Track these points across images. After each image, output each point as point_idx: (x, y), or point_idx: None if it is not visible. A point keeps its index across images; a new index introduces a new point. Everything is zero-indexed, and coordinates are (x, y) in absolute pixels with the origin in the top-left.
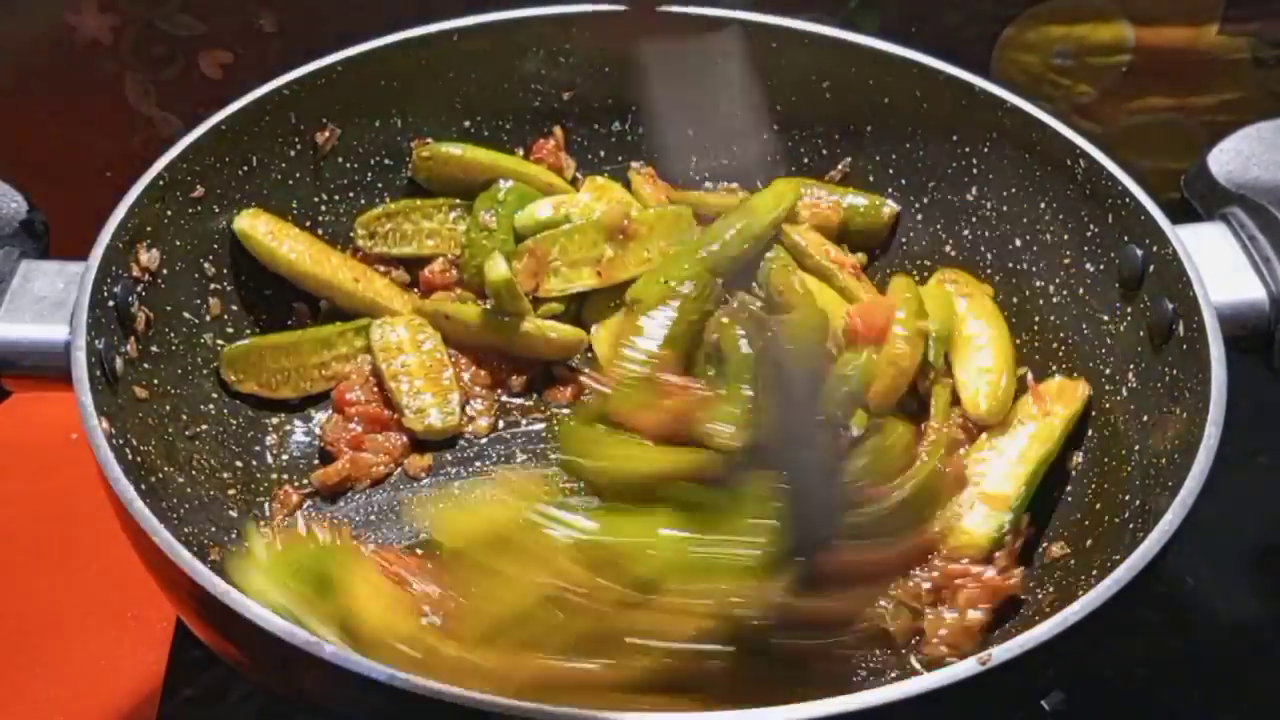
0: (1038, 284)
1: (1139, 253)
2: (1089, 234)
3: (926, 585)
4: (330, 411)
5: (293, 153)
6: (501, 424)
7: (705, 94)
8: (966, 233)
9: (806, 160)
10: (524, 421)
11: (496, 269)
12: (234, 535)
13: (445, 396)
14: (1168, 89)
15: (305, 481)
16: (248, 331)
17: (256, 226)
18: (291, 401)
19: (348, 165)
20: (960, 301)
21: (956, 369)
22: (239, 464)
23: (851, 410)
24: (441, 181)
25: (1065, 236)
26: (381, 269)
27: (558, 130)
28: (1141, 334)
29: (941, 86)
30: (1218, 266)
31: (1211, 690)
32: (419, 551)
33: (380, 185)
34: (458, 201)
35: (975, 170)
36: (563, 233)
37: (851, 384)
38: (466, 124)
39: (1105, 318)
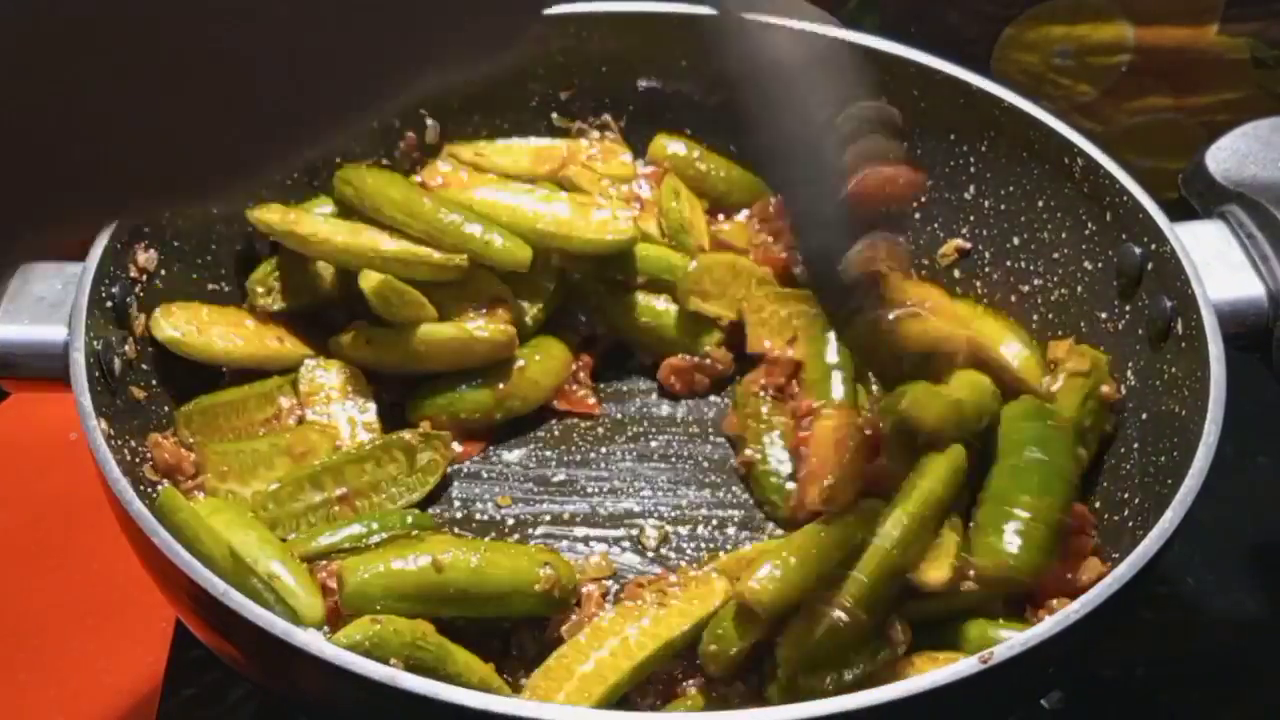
0: (1036, 282)
1: (1137, 251)
2: (1087, 232)
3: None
4: None
5: None
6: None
7: None
8: (964, 231)
9: None
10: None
11: (367, 278)
12: None
13: None
14: (1167, 89)
15: None
16: None
17: (180, 327)
18: None
19: (345, 164)
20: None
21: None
22: None
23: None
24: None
25: (1063, 235)
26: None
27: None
28: (1140, 332)
29: (940, 85)
30: (1216, 264)
31: (1211, 690)
32: None
33: None
34: None
35: (973, 169)
36: None
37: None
38: (464, 123)
39: (1104, 316)
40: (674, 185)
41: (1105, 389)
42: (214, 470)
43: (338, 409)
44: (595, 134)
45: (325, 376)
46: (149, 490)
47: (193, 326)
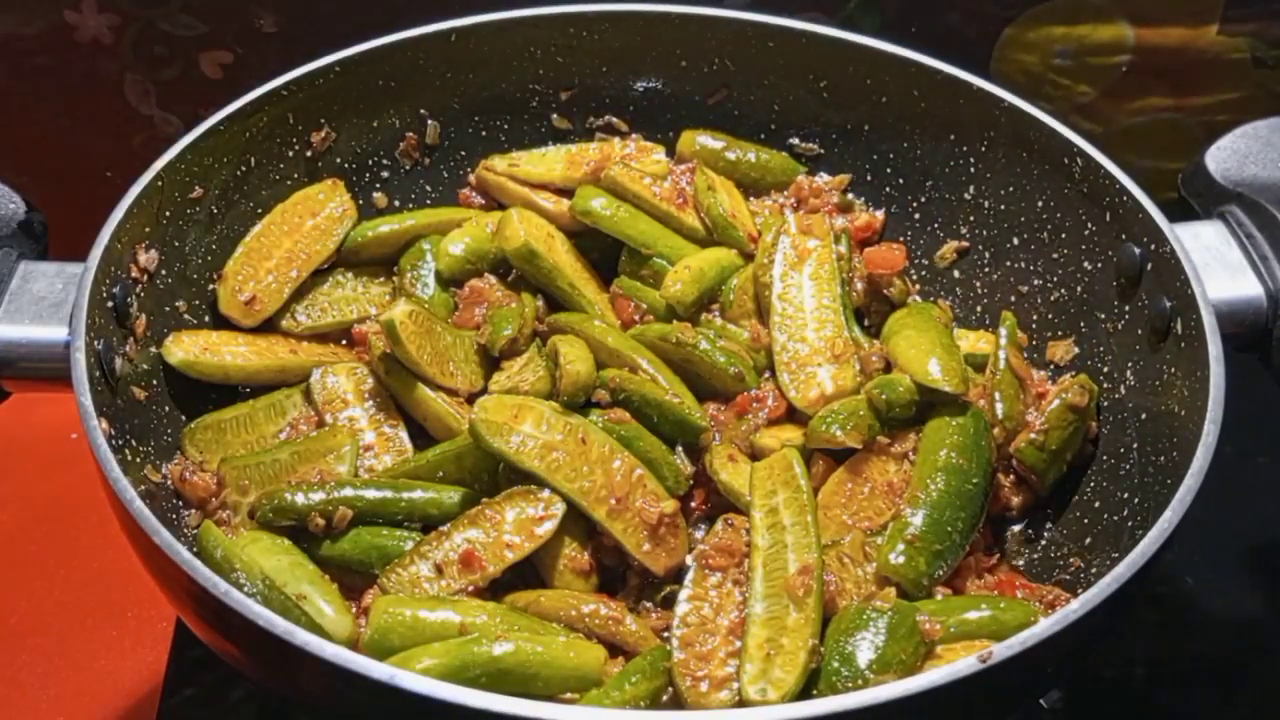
0: (1035, 282)
1: (1137, 251)
2: (1087, 232)
3: None
4: None
5: (290, 153)
6: None
7: None
8: (964, 231)
9: (804, 159)
10: None
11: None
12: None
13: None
14: (1167, 89)
15: None
16: None
17: (192, 350)
18: None
19: (345, 165)
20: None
21: None
22: None
23: None
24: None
25: (1063, 235)
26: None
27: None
28: (1140, 332)
29: (939, 86)
30: (1215, 264)
31: (1211, 690)
32: None
33: (374, 184)
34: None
35: (973, 169)
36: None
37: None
38: (464, 123)
39: (1103, 316)
40: (707, 178)
41: (1092, 424)
42: (234, 485)
43: (358, 411)
44: (616, 136)
45: (336, 381)
46: (150, 489)
47: (203, 348)
